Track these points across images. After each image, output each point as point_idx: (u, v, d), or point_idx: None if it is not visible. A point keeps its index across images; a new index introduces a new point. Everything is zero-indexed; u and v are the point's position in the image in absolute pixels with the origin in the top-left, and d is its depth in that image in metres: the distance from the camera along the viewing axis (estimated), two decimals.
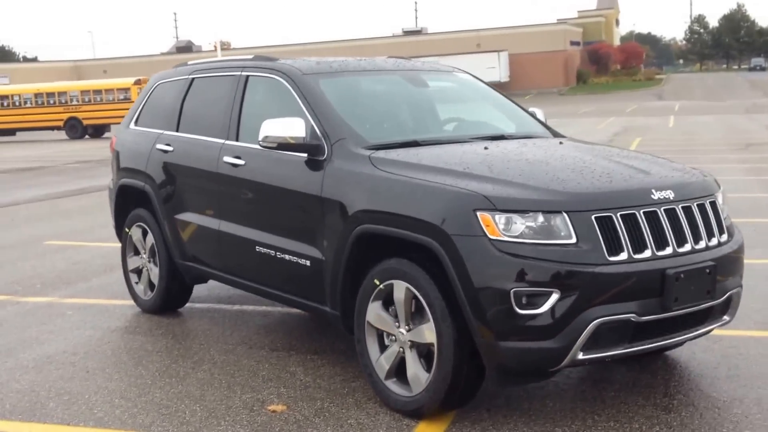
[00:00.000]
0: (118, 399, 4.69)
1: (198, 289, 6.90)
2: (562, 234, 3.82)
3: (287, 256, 4.98)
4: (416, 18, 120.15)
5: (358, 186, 4.49)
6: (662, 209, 4.03)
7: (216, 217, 5.70)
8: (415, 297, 4.15)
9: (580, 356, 3.84)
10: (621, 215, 3.90)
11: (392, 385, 4.34)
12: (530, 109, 5.92)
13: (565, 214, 3.84)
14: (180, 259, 6.16)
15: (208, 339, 5.86)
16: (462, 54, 73.08)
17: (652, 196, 4.04)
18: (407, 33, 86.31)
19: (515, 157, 4.45)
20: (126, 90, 40.11)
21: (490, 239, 3.83)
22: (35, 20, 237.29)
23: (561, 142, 5.04)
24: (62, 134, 41.91)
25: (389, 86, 5.57)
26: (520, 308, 3.78)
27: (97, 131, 41.19)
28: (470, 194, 3.94)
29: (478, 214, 3.86)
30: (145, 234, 6.57)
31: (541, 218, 3.84)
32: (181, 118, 6.25)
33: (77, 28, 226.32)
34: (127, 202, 6.81)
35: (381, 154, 4.56)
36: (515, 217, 3.84)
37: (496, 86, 6.16)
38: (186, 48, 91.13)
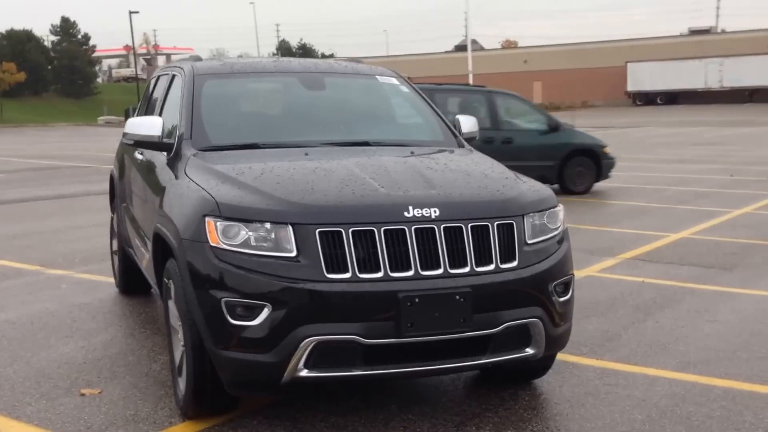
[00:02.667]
0: None
1: None
2: (286, 246, 3.74)
3: (146, 249, 5.21)
4: (717, 16, 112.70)
5: (166, 185, 4.62)
6: (413, 228, 3.79)
7: (132, 207, 6.05)
8: None
9: (305, 373, 3.73)
10: (353, 231, 3.73)
11: (179, 382, 4.41)
12: (456, 117, 5.68)
13: (290, 227, 3.75)
14: (125, 244, 6.56)
15: (133, 322, 6.18)
16: (750, 55, 67.15)
17: (406, 213, 3.81)
18: (693, 32, 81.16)
19: (310, 166, 4.35)
20: None
21: (211, 246, 3.81)
22: (334, 20, 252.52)
23: (412, 152, 4.83)
24: None
25: (279, 88, 5.58)
26: (234, 318, 3.74)
27: None
28: (204, 200, 3.95)
29: (206, 220, 3.85)
30: None
31: (267, 229, 3.76)
32: (145, 112, 6.64)
33: (374, 28, 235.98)
34: (113, 189, 7.32)
35: (198, 156, 4.62)
36: (240, 225, 3.79)
37: None
38: (464, 47, 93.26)
